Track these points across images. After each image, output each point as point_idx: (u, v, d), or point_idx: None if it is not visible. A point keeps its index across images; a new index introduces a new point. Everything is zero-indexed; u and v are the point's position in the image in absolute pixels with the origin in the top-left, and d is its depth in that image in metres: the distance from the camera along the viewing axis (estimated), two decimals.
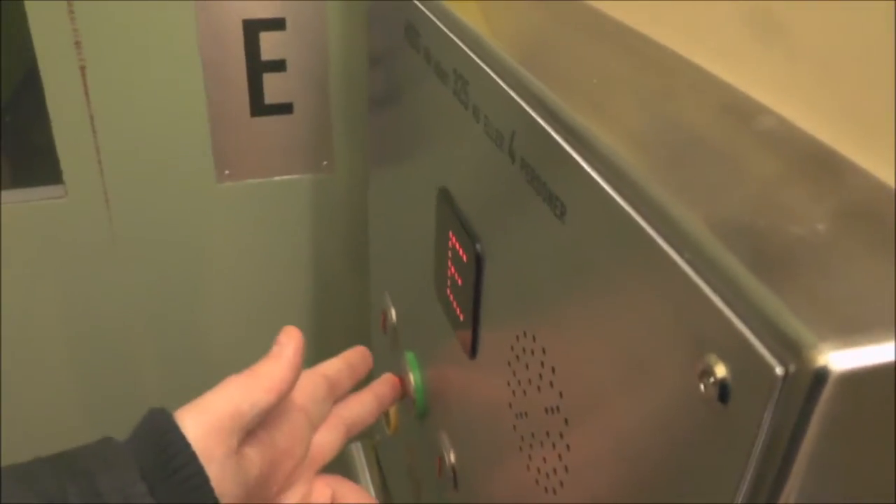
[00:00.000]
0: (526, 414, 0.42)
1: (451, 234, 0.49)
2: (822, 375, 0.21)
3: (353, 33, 0.95)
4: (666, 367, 0.28)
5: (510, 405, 0.43)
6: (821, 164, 0.30)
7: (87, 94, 0.90)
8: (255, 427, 0.44)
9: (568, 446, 0.37)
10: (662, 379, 0.28)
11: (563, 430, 0.37)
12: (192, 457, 0.40)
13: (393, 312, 0.71)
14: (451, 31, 0.48)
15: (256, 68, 0.94)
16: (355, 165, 1.03)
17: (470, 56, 0.44)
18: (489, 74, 0.41)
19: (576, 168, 0.32)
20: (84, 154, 0.94)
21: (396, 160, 0.66)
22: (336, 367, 0.54)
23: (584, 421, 0.35)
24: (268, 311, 1.10)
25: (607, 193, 0.30)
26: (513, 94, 0.39)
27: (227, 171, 0.99)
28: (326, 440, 0.51)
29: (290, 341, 0.46)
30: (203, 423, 0.41)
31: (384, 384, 0.58)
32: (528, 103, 0.37)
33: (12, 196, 0.95)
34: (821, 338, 0.22)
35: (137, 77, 0.91)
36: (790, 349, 0.22)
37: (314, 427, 0.51)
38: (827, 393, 0.22)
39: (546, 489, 0.40)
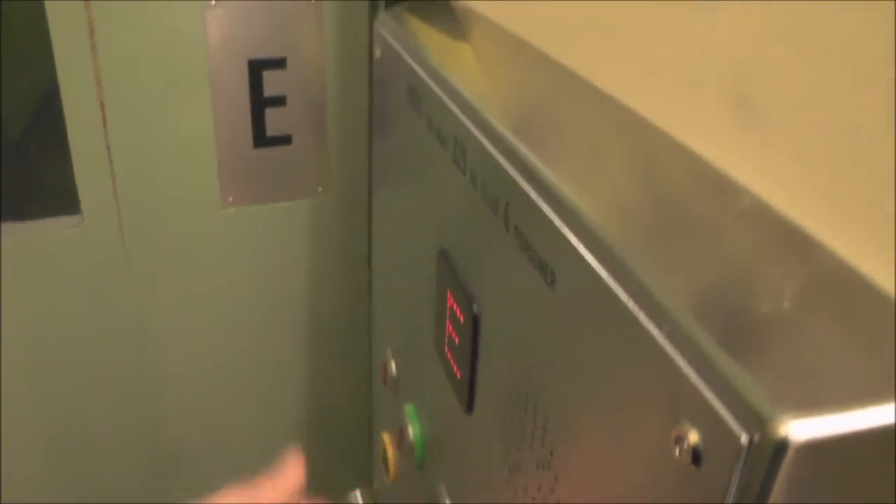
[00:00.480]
0: (519, 468, 0.43)
1: (449, 294, 0.51)
2: (782, 445, 0.23)
3: (348, 72, 1.01)
4: (645, 432, 0.30)
5: (504, 460, 0.45)
6: (791, 244, 0.32)
7: (105, 126, 0.96)
8: None
9: (558, 502, 0.39)
10: (642, 442, 0.30)
11: (553, 485, 0.39)
12: None
13: (393, 365, 0.73)
14: (451, 101, 0.50)
15: (259, 103, 1.01)
16: (348, 190, 1.10)
17: (468, 126, 0.47)
18: (485, 146, 0.44)
19: (564, 241, 0.35)
20: (100, 183, 0.99)
21: (400, 221, 0.69)
22: None
23: (572, 478, 0.37)
24: (268, 326, 1.15)
25: (592, 268, 0.32)
26: (507, 165, 0.41)
27: (230, 198, 1.05)
28: None
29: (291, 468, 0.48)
30: None
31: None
32: (520, 175, 0.40)
33: (31, 227, 0.99)
34: (782, 410, 0.24)
35: (152, 111, 0.97)
36: (754, 420, 0.24)
37: None
38: (788, 461, 0.24)
39: None
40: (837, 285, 0.30)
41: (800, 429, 0.24)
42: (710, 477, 0.26)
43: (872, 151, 0.30)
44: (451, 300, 0.50)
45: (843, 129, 0.32)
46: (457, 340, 0.50)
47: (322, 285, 1.15)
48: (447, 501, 0.58)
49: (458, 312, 0.49)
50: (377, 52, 0.72)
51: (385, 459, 0.78)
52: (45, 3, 0.89)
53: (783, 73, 0.34)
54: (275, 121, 1.02)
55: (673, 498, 0.28)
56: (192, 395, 1.14)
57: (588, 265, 0.33)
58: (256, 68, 0.99)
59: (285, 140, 1.04)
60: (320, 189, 1.08)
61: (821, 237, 0.32)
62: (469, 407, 0.50)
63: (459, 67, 0.55)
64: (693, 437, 0.26)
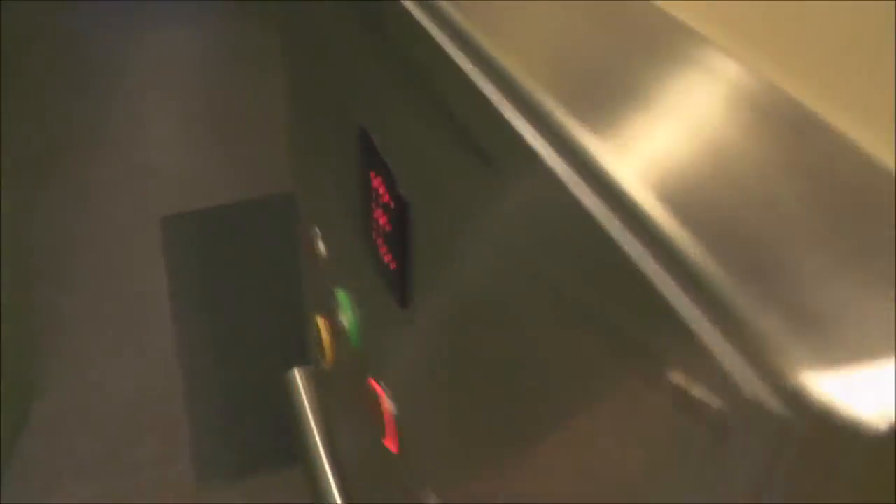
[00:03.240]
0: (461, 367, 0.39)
1: (372, 176, 0.45)
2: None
3: None
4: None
5: (448, 361, 0.40)
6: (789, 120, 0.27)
7: None
8: None
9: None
10: None
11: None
12: None
13: (321, 245, 0.67)
14: None
15: None
16: None
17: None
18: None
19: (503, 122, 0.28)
20: None
21: (316, 92, 0.61)
22: None
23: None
24: None
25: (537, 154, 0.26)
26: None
27: None
28: None
29: None
30: None
31: None
32: (446, 37, 0.33)
33: None
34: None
35: None
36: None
37: None
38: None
39: None
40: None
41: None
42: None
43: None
44: (376, 183, 0.44)
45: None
46: (387, 228, 0.44)
47: None
48: (387, 390, 0.54)
49: (385, 197, 0.43)
50: None
51: (320, 342, 0.74)
52: None
53: None
54: None
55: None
56: None
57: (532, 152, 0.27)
58: None
59: None
60: None
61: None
62: (403, 301, 0.44)
63: None
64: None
